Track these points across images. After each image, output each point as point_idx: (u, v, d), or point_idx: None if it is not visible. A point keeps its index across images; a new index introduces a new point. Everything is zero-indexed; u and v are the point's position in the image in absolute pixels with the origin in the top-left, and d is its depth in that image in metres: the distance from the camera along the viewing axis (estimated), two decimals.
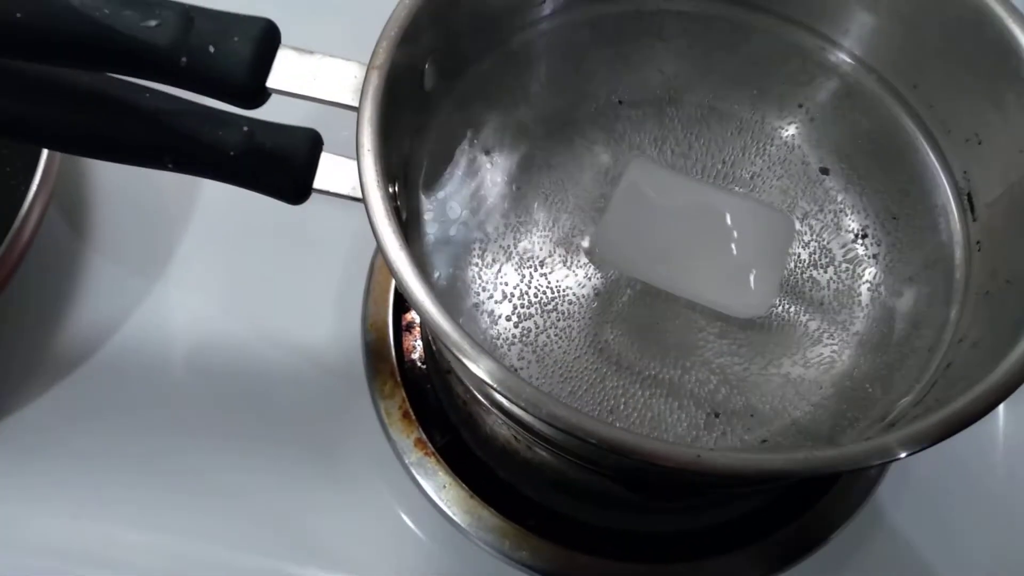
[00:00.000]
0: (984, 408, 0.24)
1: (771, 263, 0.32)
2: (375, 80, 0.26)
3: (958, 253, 0.31)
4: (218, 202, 0.45)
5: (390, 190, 0.28)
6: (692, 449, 0.21)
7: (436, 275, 0.33)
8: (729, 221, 0.31)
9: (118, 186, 0.46)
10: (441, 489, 0.38)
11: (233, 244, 0.45)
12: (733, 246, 0.31)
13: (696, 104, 0.37)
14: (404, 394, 0.40)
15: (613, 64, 0.35)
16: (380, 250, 0.24)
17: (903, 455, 0.23)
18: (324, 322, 0.43)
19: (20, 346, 0.42)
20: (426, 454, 0.39)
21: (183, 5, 0.26)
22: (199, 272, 0.44)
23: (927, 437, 0.24)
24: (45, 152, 0.39)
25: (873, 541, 0.39)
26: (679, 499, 0.37)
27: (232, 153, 0.30)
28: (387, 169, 0.26)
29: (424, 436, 0.39)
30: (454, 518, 0.38)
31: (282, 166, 0.30)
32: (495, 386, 0.22)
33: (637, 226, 0.31)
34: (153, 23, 0.25)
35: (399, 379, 0.40)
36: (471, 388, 0.31)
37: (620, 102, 0.37)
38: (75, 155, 0.29)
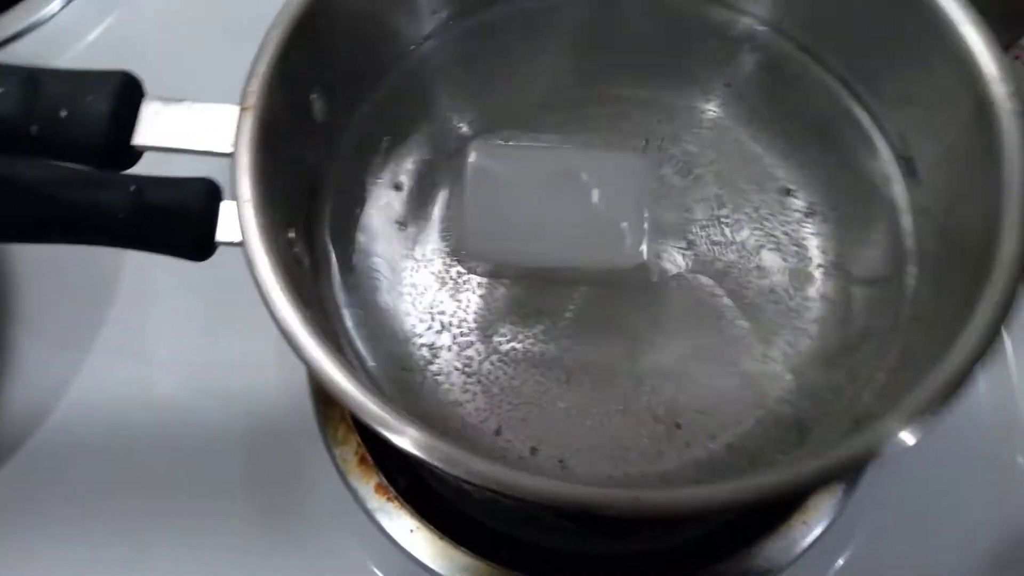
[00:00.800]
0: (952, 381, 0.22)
1: (635, 206, 0.31)
2: (249, 122, 0.24)
3: (906, 221, 0.29)
4: (145, 260, 0.43)
5: (288, 235, 0.26)
6: (629, 492, 0.19)
7: (360, 314, 0.30)
8: (585, 177, 0.30)
9: (38, 253, 0.43)
10: (408, 533, 0.36)
11: (165, 302, 0.42)
12: (595, 201, 0.30)
13: (617, 97, 0.35)
14: (358, 438, 0.38)
15: (520, 68, 0.33)
16: (267, 310, 0.22)
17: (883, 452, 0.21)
18: (267, 372, 0.40)
19: None
20: (389, 499, 0.37)
21: (27, 69, 0.23)
22: (132, 337, 0.42)
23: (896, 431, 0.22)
24: None
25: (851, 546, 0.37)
26: (636, 534, 0.35)
27: (121, 216, 0.28)
28: (277, 216, 0.24)
29: (385, 480, 0.37)
30: (425, 562, 0.36)
31: (179, 223, 0.28)
32: (405, 449, 0.20)
33: (497, 211, 0.30)
34: None
35: (351, 423, 0.38)
36: None
37: (542, 105, 0.34)
38: None
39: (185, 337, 0.41)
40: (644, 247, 0.31)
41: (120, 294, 0.43)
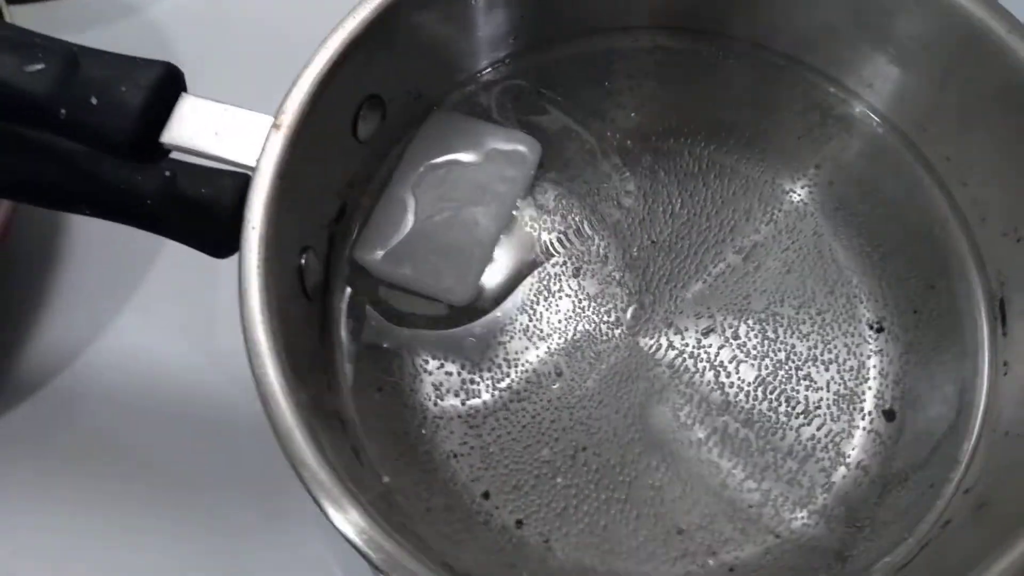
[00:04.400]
0: None
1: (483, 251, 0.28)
2: (277, 142, 0.22)
3: (982, 371, 0.26)
4: None
5: (301, 261, 0.25)
6: None
7: (362, 345, 0.29)
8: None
9: None
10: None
11: (205, 267, 0.42)
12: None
13: (695, 156, 0.32)
14: None
15: (599, 105, 0.31)
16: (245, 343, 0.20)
17: None
18: None
19: None
20: None
21: (71, 48, 0.23)
22: (169, 296, 0.42)
23: None
24: None
25: None
26: None
27: (148, 201, 0.27)
28: (289, 242, 0.23)
29: None
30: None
31: (205, 218, 0.27)
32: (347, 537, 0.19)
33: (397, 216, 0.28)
34: (35, 68, 0.22)
35: None
36: None
37: (605, 150, 0.32)
38: None
39: (212, 309, 0.41)
40: (468, 293, 0.29)
41: (166, 250, 0.43)
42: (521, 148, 0.28)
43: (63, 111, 0.22)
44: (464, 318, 0.30)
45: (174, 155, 0.26)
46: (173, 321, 0.41)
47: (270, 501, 0.37)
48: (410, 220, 0.28)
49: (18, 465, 0.39)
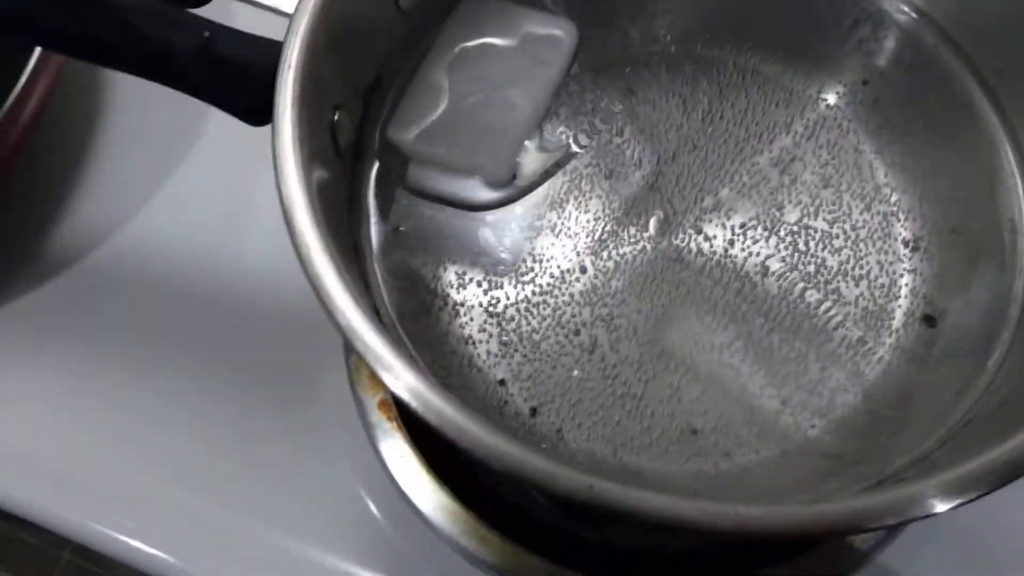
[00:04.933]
0: None
1: (518, 131, 0.27)
2: None
3: (1018, 286, 0.25)
4: (228, 128, 0.43)
5: (334, 117, 0.24)
6: (631, 492, 0.17)
7: (389, 227, 0.29)
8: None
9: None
10: (398, 458, 0.35)
11: (249, 154, 0.42)
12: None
13: (738, 66, 0.31)
14: None
15: (643, 7, 0.30)
16: (279, 195, 0.20)
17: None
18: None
19: (19, 233, 0.41)
20: (388, 418, 0.36)
21: None
22: (210, 176, 0.42)
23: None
24: None
25: None
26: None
27: (186, 61, 0.27)
28: (325, 92, 0.22)
29: (389, 399, 0.36)
30: (406, 490, 0.35)
31: (242, 81, 0.27)
32: (410, 404, 0.19)
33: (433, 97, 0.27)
34: None
35: None
36: None
37: (647, 55, 0.31)
38: (25, 44, 0.27)
39: (256, 197, 0.41)
40: (506, 169, 0.28)
41: (206, 135, 0.43)
42: (557, 32, 0.28)
43: None
44: (494, 205, 0.29)
45: (214, 18, 0.26)
46: (212, 202, 0.41)
47: (296, 402, 0.38)
48: (444, 101, 0.28)
49: (46, 340, 0.39)
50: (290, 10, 0.23)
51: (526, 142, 0.27)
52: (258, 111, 0.28)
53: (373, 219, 0.28)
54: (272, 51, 0.27)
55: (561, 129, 0.31)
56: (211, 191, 0.42)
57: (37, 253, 0.41)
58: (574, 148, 0.30)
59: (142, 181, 0.42)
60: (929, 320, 0.26)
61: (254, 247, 0.40)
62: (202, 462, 0.37)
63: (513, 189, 0.29)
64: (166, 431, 0.37)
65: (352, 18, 0.23)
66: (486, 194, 0.28)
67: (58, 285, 0.41)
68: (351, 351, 0.37)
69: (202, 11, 0.27)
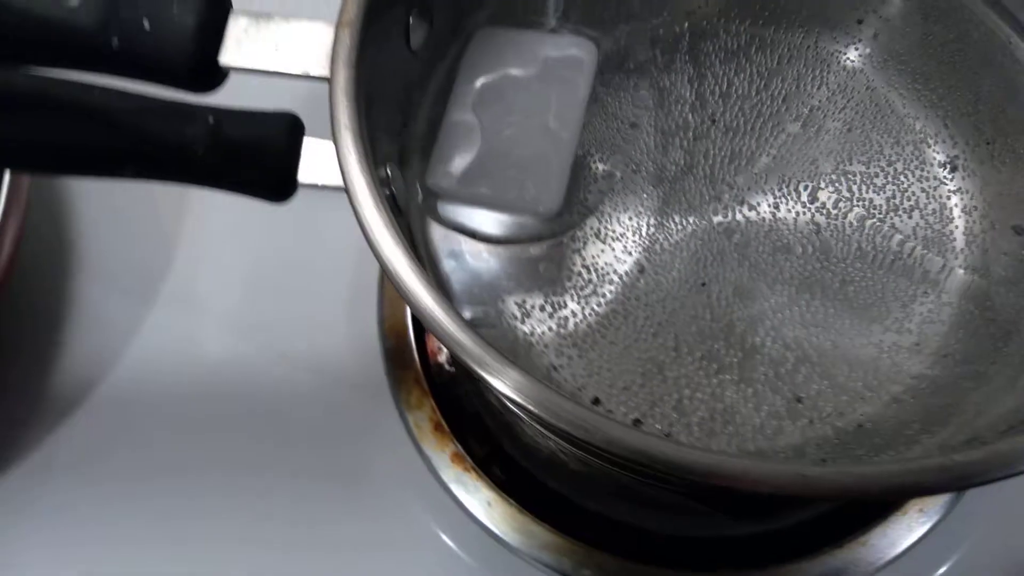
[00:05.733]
0: None
1: (561, 155, 0.27)
2: (346, 40, 0.21)
3: None
4: (210, 207, 0.41)
5: (382, 173, 0.23)
6: (791, 467, 0.16)
7: (445, 266, 0.28)
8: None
9: (101, 196, 0.42)
10: (486, 506, 0.34)
11: (231, 253, 0.40)
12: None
13: (730, 33, 0.31)
14: (433, 403, 0.35)
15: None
16: (371, 248, 0.19)
17: None
18: (337, 330, 0.38)
19: (10, 391, 0.38)
20: (465, 469, 0.34)
21: None
22: (197, 289, 0.40)
23: None
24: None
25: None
26: (769, 513, 0.32)
27: (199, 151, 0.25)
28: (374, 148, 0.21)
29: (461, 449, 0.34)
30: (503, 537, 0.33)
31: (258, 160, 0.26)
32: (530, 408, 0.18)
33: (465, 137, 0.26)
34: (75, 2, 0.21)
35: (426, 387, 0.36)
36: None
37: (652, 40, 0.31)
38: (19, 171, 0.25)
39: (252, 289, 0.39)
40: (557, 197, 0.27)
41: (183, 243, 0.41)
42: (575, 52, 0.27)
43: (115, 40, 0.20)
44: (547, 236, 0.29)
45: (215, 101, 0.25)
46: (206, 309, 0.39)
47: (357, 478, 0.36)
48: (478, 139, 0.27)
49: (77, 483, 0.36)
50: (318, 72, 0.22)
51: (571, 158, 0.27)
52: (280, 187, 0.26)
53: (428, 266, 0.27)
54: (281, 123, 0.26)
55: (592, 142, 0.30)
56: (201, 298, 0.40)
57: (36, 406, 0.38)
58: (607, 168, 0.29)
59: (127, 307, 0.40)
60: (1018, 230, 0.27)
61: (264, 339, 0.38)
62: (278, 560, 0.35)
63: (570, 216, 0.28)
64: (232, 555, 0.35)
65: (378, 68, 0.22)
66: (537, 226, 0.28)
67: (70, 430, 0.38)
68: (407, 412, 0.35)
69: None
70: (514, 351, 0.28)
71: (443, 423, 0.35)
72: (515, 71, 0.27)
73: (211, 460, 0.37)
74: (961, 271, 0.28)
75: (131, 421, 0.38)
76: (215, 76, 0.22)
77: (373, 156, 0.21)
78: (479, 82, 0.27)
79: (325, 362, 0.38)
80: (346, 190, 0.20)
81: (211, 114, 0.25)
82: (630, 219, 0.30)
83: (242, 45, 0.22)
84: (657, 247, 0.29)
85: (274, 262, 0.40)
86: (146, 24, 0.20)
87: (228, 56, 0.22)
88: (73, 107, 0.24)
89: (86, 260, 0.41)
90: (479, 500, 0.34)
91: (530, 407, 0.18)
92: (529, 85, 0.26)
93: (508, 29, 0.28)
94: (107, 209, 0.41)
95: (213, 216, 0.41)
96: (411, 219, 0.26)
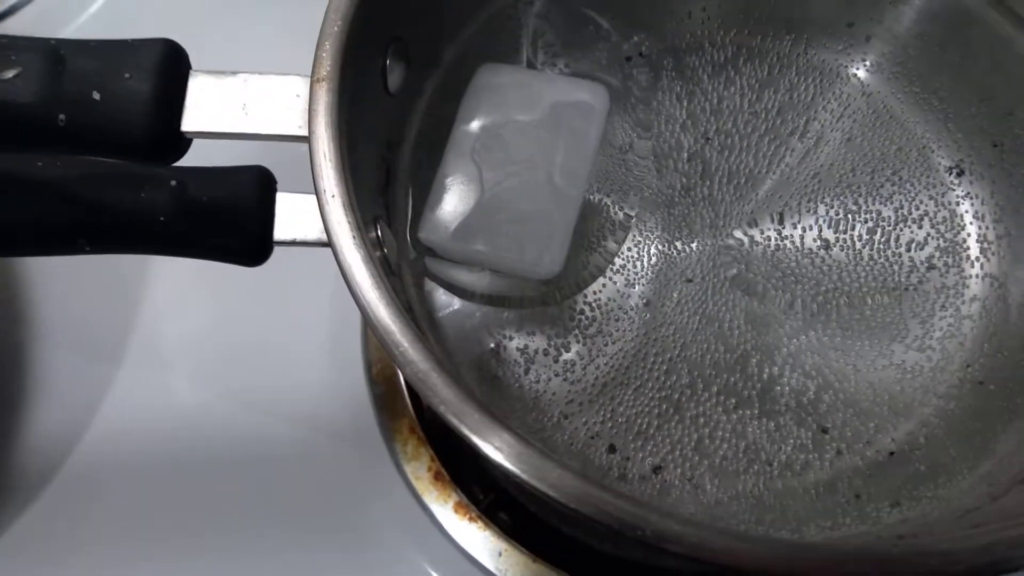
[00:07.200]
0: None
1: (565, 213, 0.25)
2: (324, 97, 0.19)
3: None
4: (173, 261, 0.39)
5: (372, 234, 0.21)
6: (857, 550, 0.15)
7: (441, 317, 0.26)
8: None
9: (55, 260, 0.39)
10: (497, 557, 0.32)
11: (199, 306, 0.38)
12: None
13: (716, 45, 0.30)
14: (431, 452, 0.33)
15: (623, 13, 0.28)
16: (371, 328, 0.17)
17: None
18: (320, 380, 0.36)
19: None
20: (471, 519, 0.32)
21: (47, 42, 0.19)
22: (165, 346, 0.37)
23: None
24: None
25: None
26: None
27: (161, 218, 0.23)
28: (362, 212, 0.19)
29: (464, 498, 0.33)
30: None
31: (229, 222, 0.24)
32: (524, 480, 0.16)
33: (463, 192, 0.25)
34: (11, 74, 0.18)
35: (421, 435, 0.34)
36: None
37: (628, 59, 0.30)
38: None
39: (225, 345, 0.37)
40: (558, 259, 0.25)
41: (147, 299, 0.38)
42: (586, 97, 0.25)
43: (61, 116, 0.18)
44: (538, 303, 0.27)
45: (180, 161, 0.22)
46: (173, 374, 0.37)
47: (357, 539, 0.34)
48: (476, 190, 0.25)
49: (50, 565, 0.34)
50: (295, 132, 0.20)
51: (575, 217, 0.25)
52: (254, 250, 0.24)
53: (423, 324, 0.25)
54: (251, 179, 0.24)
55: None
56: (169, 355, 0.37)
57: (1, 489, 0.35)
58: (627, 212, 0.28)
59: (92, 372, 0.37)
60: None
61: (242, 394, 0.36)
62: None
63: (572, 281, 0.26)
64: None
65: (356, 121, 0.20)
66: (536, 287, 0.26)
67: (41, 508, 0.35)
68: (404, 463, 0.34)
69: None
70: (522, 403, 0.26)
71: (443, 472, 0.33)
72: (520, 116, 0.25)
73: (194, 528, 0.35)
74: (978, 280, 0.27)
75: (103, 493, 0.35)
76: (178, 145, 0.20)
77: (362, 218, 0.19)
78: (480, 125, 0.24)
79: (311, 414, 0.36)
80: (340, 269, 0.18)
81: (174, 176, 0.23)
82: (629, 249, 0.28)
83: (205, 108, 0.20)
84: (661, 278, 0.28)
85: (247, 316, 0.37)
86: (96, 96, 0.18)
87: (191, 122, 0.19)
88: (13, 182, 0.22)
89: (43, 325, 0.38)
90: (488, 551, 0.32)
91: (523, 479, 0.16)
92: (535, 132, 0.24)
93: (513, 68, 0.26)
94: (62, 269, 0.39)
95: (177, 265, 0.38)
96: (404, 277, 0.24)
